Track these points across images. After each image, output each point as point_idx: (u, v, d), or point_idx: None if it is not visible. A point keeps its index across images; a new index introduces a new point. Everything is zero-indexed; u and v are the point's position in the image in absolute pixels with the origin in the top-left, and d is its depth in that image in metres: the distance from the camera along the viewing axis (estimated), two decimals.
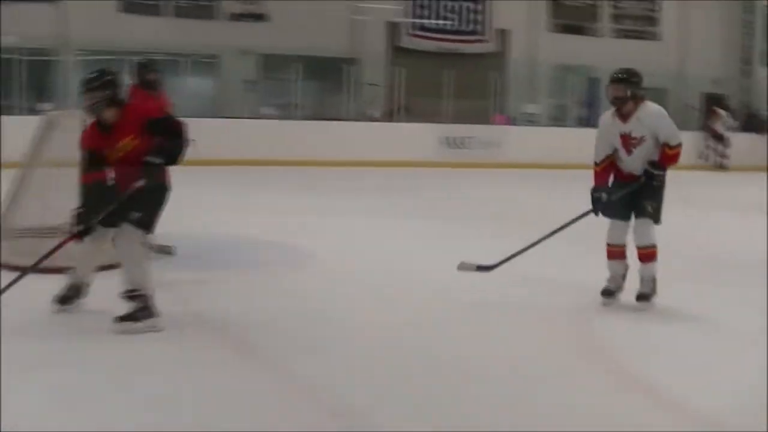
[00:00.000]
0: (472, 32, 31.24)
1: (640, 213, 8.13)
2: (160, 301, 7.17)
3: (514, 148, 25.41)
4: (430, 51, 30.18)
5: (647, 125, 8.21)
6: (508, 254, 8.71)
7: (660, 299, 8.28)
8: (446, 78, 25.70)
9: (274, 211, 14.46)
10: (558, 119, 30.45)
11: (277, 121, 25.73)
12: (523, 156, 24.87)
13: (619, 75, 8.50)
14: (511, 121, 28.73)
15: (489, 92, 27.25)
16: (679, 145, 8.17)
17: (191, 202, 12.30)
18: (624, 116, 8.26)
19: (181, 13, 27.91)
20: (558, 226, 8.56)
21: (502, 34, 31.47)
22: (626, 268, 8.35)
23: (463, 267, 8.89)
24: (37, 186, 9.95)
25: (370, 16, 29.25)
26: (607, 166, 8.34)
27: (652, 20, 34.08)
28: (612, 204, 8.10)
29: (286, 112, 26.92)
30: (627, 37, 33.50)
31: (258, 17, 28.52)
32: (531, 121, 28.85)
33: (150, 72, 10.67)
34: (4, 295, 7.02)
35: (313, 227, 12.79)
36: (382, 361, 6.56)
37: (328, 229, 12.73)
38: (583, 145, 24.46)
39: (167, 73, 22.01)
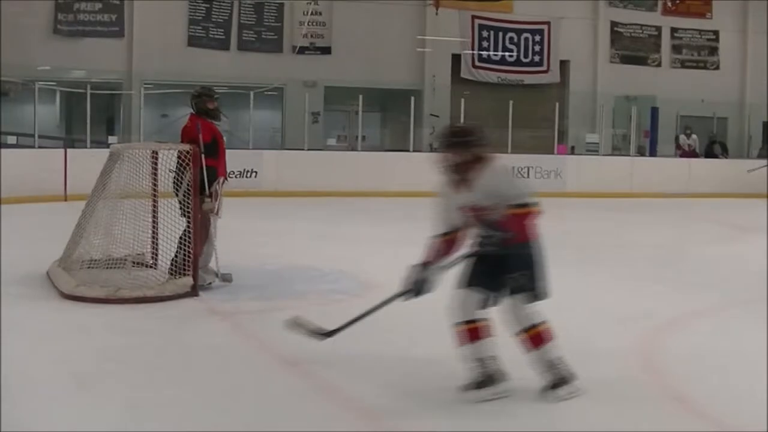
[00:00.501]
0: (534, 63, 31.48)
1: (513, 289, 6.47)
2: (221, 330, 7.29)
3: (575, 177, 25.54)
4: (492, 82, 30.47)
5: (492, 190, 6.44)
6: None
7: None
8: (507, 108, 25.90)
9: (340, 240, 14.73)
10: (619, 149, 30.53)
11: (340, 152, 26.05)
12: (584, 185, 24.99)
13: (455, 138, 6.73)
14: (572, 151, 28.86)
15: (550, 123, 27.39)
16: (528, 205, 6.48)
17: (263, 232, 12.71)
18: (464, 184, 6.57)
19: (245, 46, 28.36)
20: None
21: (563, 65, 31.69)
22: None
23: (293, 325, 7.27)
24: (103, 217, 10.20)
25: (434, 48, 29.59)
26: (449, 239, 6.70)
27: (711, 50, 34.14)
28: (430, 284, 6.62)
29: (350, 144, 27.20)
30: (686, 66, 33.58)
31: (322, 50, 28.90)
32: (591, 150, 28.94)
33: (208, 100, 10.40)
34: None
35: (378, 257, 12.87)
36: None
37: (392, 259, 12.84)
38: (642, 173, 24.76)
39: (232, 106, 22.47)
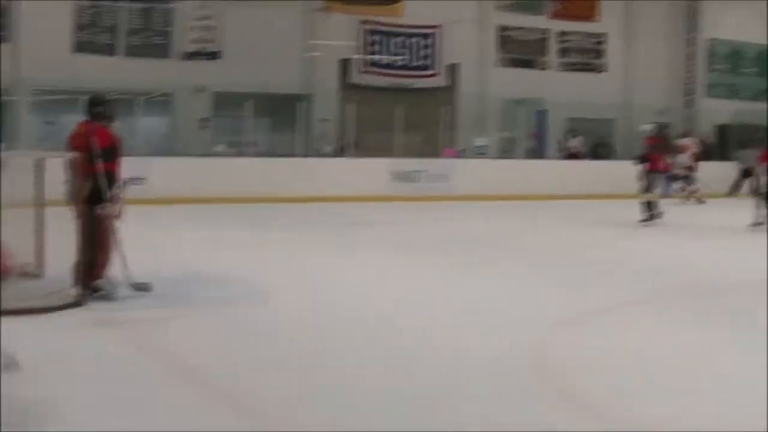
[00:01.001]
0: (423, 67, 31.64)
1: None
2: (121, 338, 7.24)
3: (464, 180, 25.70)
4: (381, 86, 30.55)
5: None
6: None
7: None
8: (397, 113, 26.00)
9: (231, 247, 14.72)
10: (507, 151, 30.82)
11: (230, 158, 25.91)
12: (473, 188, 25.15)
13: None
14: (461, 154, 29.05)
15: (439, 126, 27.56)
16: None
17: (154, 240, 12.63)
18: None
19: (133, 51, 28.07)
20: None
21: (452, 68, 31.90)
22: None
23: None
24: None
25: (323, 53, 29.60)
26: None
27: (598, 53, 34.66)
28: None
29: (239, 149, 27.08)
30: (574, 69, 34.05)
31: (211, 55, 28.76)
32: (480, 153, 29.18)
33: (100, 105, 10.32)
34: None
35: (270, 263, 12.93)
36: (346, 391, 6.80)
37: (284, 264, 12.89)
38: (531, 176, 25.11)
39: (121, 112, 22.21)
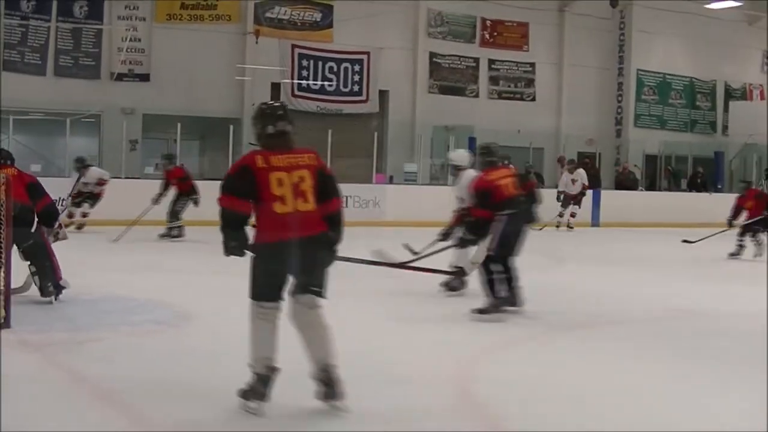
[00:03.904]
0: (353, 93, 31.71)
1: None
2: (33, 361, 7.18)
3: (394, 206, 25.69)
4: (312, 111, 30.54)
5: None
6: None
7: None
8: (327, 138, 25.96)
9: (156, 270, 14.60)
10: (437, 178, 30.87)
11: (158, 180, 25.70)
12: (403, 214, 25.14)
13: None
14: (390, 180, 29.08)
15: (370, 152, 27.58)
16: None
17: (78, 263, 12.47)
18: None
19: (62, 72, 27.87)
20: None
21: (383, 94, 32.00)
22: None
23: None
24: None
25: (253, 77, 29.56)
26: None
27: (528, 81, 34.95)
28: None
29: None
30: (503, 97, 34.30)
31: (142, 77, 28.63)
32: (410, 180, 29.21)
33: None
34: None
35: (192, 287, 12.78)
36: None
37: (206, 289, 12.75)
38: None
39: (48, 133, 22.05)
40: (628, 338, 10.09)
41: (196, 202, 19.65)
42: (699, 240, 19.42)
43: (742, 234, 19.08)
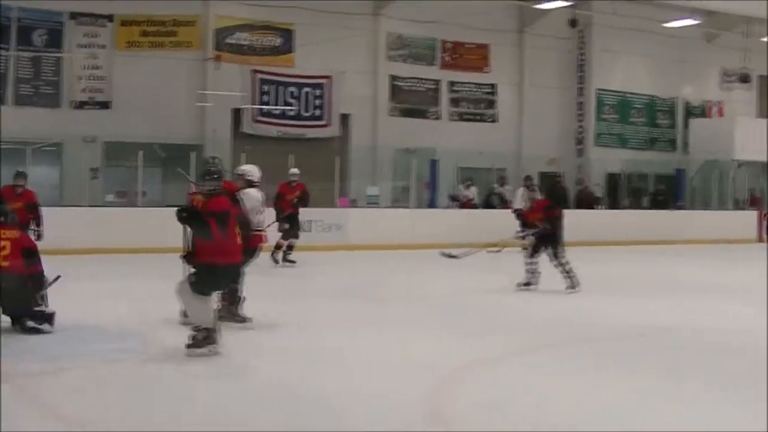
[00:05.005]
0: (315, 117, 31.72)
1: None
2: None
3: (357, 229, 25.68)
4: (273, 136, 30.54)
5: None
6: None
7: None
8: (289, 163, 25.94)
9: (120, 298, 14.51)
10: (399, 201, 30.87)
11: (119, 208, 25.64)
12: (366, 237, 25.15)
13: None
14: (353, 203, 29.07)
15: (332, 176, 27.59)
16: None
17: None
18: None
19: (22, 101, 27.75)
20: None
21: (344, 118, 32.03)
22: None
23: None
24: None
25: (214, 103, 29.53)
26: None
27: (489, 103, 35.08)
28: None
29: (129, 200, 26.79)
30: (465, 119, 34.39)
31: (101, 105, 28.55)
32: (372, 203, 29.23)
33: None
34: None
35: (158, 314, 12.75)
36: None
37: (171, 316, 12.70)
38: (422, 224, 25.05)
39: (8, 162, 21.92)
40: (595, 356, 10.16)
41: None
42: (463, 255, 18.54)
43: None
